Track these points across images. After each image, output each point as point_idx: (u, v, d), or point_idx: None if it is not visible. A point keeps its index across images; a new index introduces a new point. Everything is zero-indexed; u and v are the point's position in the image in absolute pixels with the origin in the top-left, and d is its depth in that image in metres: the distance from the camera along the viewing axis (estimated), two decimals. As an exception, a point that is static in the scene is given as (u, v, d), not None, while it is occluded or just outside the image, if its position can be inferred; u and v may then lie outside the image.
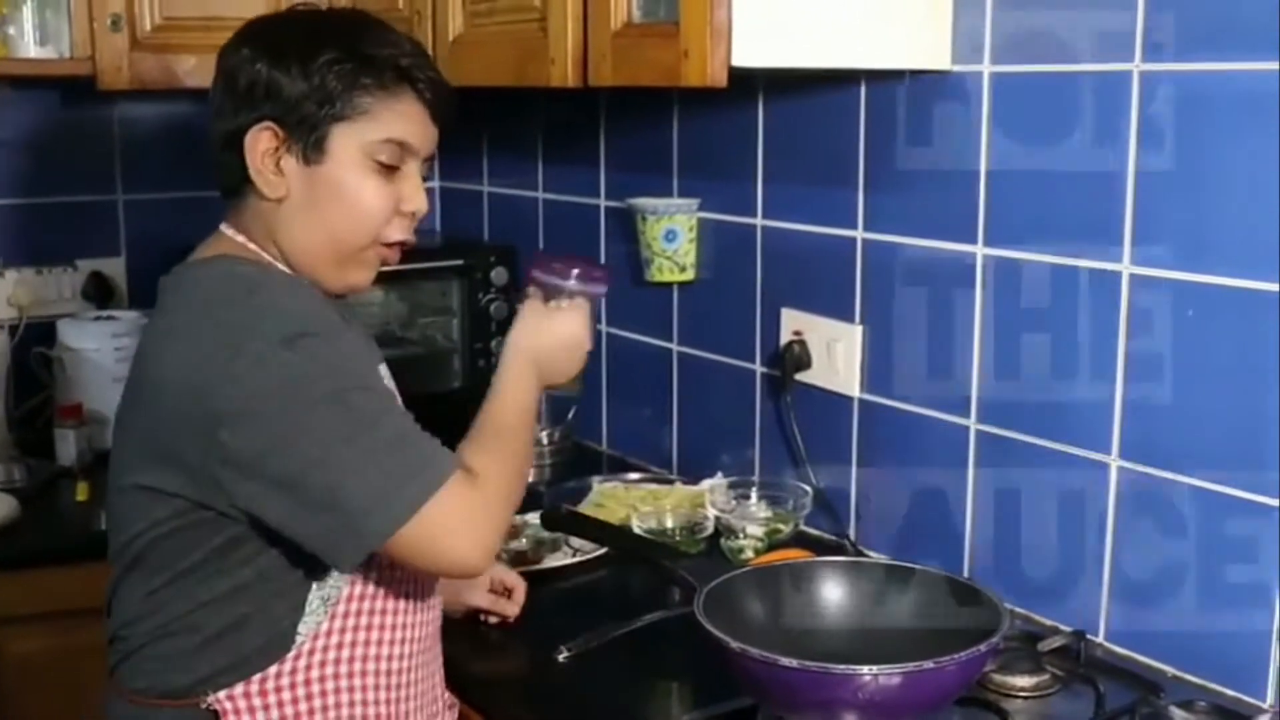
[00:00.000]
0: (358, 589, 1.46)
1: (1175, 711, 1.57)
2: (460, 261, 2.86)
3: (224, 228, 1.51)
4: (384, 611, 1.48)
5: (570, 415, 2.69)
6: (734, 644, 1.41)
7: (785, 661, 1.37)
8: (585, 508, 2.28)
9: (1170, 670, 1.72)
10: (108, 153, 2.90)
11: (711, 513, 2.18)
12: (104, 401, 2.68)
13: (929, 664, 1.37)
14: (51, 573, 2.27)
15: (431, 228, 3.20)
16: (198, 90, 2.77)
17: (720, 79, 1.73)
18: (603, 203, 2.65)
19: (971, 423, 1.95)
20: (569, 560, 2.08)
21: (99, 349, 2.68)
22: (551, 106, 2.77)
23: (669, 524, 2.15)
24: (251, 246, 1.48)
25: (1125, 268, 1.73)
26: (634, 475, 2.46)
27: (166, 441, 1.38)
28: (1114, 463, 1.76)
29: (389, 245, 1.49)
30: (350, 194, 1.44)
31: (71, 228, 2.88)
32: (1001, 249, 1.88)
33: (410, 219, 1.50)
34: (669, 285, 2.48)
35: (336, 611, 1.44)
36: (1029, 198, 1.83)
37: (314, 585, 1.43)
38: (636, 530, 2.11)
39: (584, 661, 1.75)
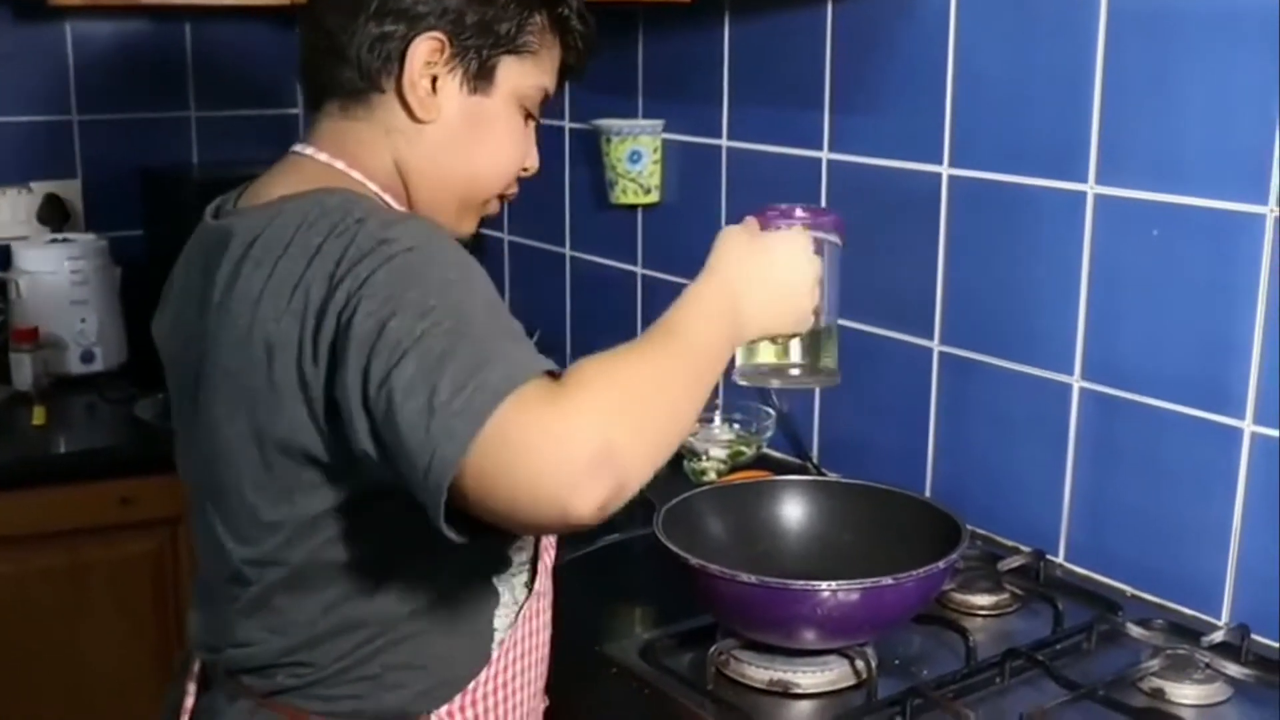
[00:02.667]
0: (540, 578, 1.33)
1: (1132, 628, 1.58)
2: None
3: (309, 150, 1.28)
4: (544, 594, 1.36)
5: (534, 339, 2.66)
6: (693, 560, 1.40)
7: (744, 577, 1.37)
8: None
9: (1129, 589, 1.72)
10: (62, 72, 2.84)
11: (674, 435, 2.16)
12: (61, 325, 2.66)
13: (888, 580, 1.37)
14: (7, 497, 2.25)
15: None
16: (153, 7, 2.77)
17: (684, -7, 1.70)
18: (567, 125, 2.61)
19: (935, 345, 1.94)
20: (531, 482, 2.07)
21: (55, 272, 2.64)
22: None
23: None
24: (355, 174, 1.26)
25: (1090, 188, 1.71)
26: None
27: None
28: (1076, 384, 1.76)
29: (501, 198, 1.35)
30: (503, 134, 1.29)
31: (25, 149, 2.83)
32: (967, 169, 1.86)
33: (523, 174, 1.35)
34: (633, 208, 2.45)
35: (525, 605, 1.32)
36: (994, 117, 1.82)
37: (494, 577, 1.28)
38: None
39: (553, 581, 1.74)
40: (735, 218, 2.23)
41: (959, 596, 1.66)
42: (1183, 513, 1.66)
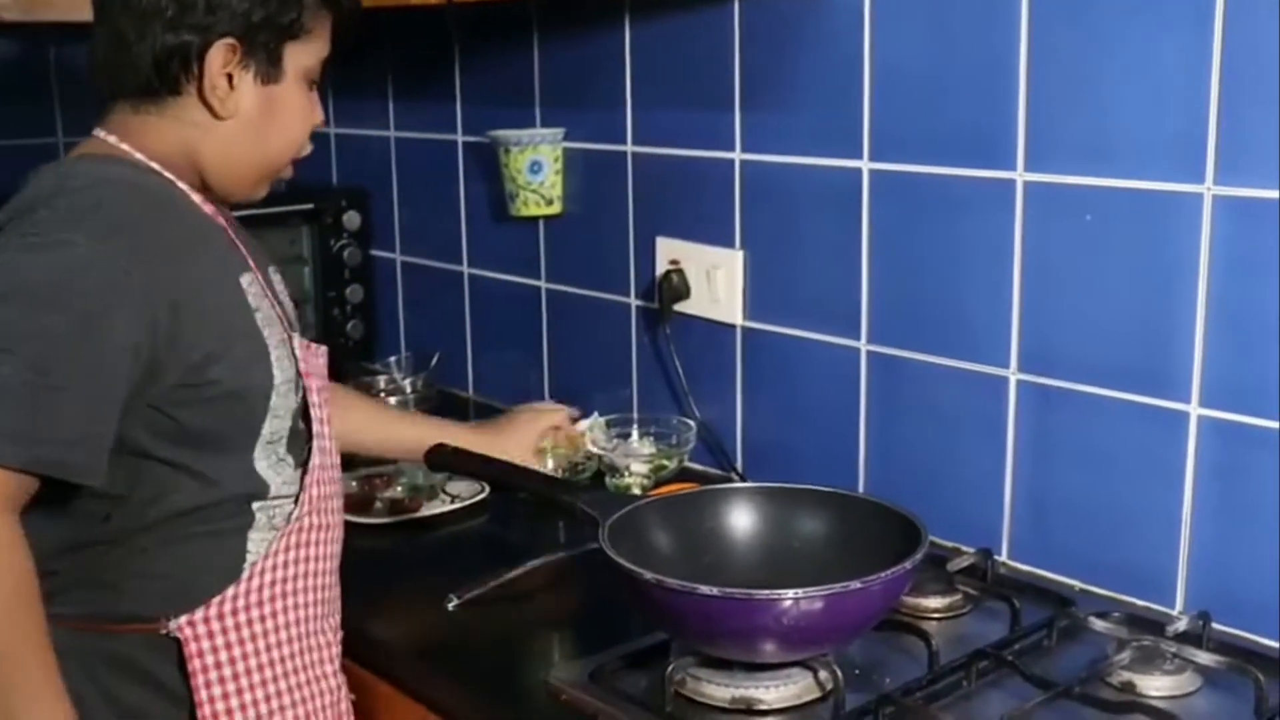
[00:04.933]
0: (305, 508, 1.43)
1: (1094, 622, 1.53)
2: (310, 206, 2.71)
3: (100, 133, 1.41)
4: (321, 527, 1.46)
5: (433, 363, 2.58)
6: (648, 575, 1.32)
7: (703, 590, 1.29)
8: (458, 454, 2.17)
9: (1078, 584, 1.68)
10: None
11: (593, 450, 2.09)
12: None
13: (855, 584, 1.31)
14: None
15: (274, 174, 3.04)
16: (15, 25, 2.62)
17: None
18: (460, 138, 2.53)
19: (862, 344, 1.89)
20: (448, 507, 1.98)
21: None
22: (401, 40, 2.63)
23: (549, 465, 2.06)
24: (124, 147, 1.39)
25: (1019, 175, 1.68)
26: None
27: None
28: (1013, 376, 1.72)
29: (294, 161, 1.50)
30: (292, 113, 1.44)
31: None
32: (888, 163, 1.82)
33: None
34: (535, 220, 2.37)
35: (284, 531, 1.41)
36: (915, 107, 1.78)
37: (253, 503, 1.39)
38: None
39: (476, 609, 1.65)
40: (644, 225, 2.20)
41: (911, 600, 1.60)
42: (1130, 502, 1.63)
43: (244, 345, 1.36)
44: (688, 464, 2.12)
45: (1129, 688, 1.41)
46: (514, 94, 2.38)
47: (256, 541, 1.40)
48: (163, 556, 1.36)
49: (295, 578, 1.43)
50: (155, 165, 1.38)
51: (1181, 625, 1.49)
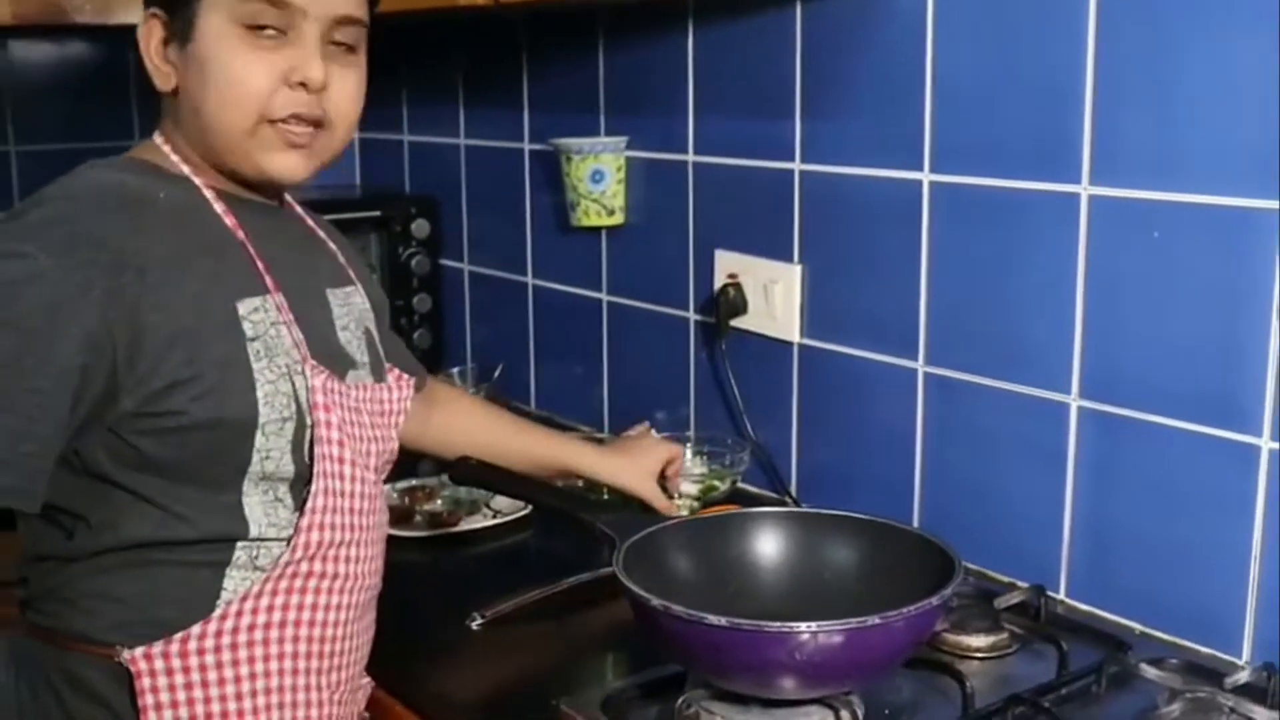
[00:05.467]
0: (298, 553, 1.30)
1: (1146, 669, 1.43)
2: (378, 213, 2.69)
3: (156, 134, 1.35)
4: (323, 575, 1.32)
5: (496, 374, 2.53)
6: (655, 601, 1.25)
7: (712, 619, 1.22)
8: (509, 468, 2.11)
9: (1138, 626, 1.58)
10: (-2, 99, 2.70)
11: (643, 470, 2.02)
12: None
13: (874, 619, 1.22)
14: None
15: (351, 182, 3.03)
16: (91, 27, 2.63)
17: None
18: (526, 146, 2.48)
19: (919, 365, 1.80)
20: (489, 522, 1.92)
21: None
22: (471, 47, 2.60)
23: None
24: (165, 149, 1.32)
25: (1084, 189, 1.58)
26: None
27: None
28: (1074, 403, 1.62)
29: (285, 121, 1.27)
30: (217, 69, 1.25)
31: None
32: (949, 174, 1.73)
33: (303, 91, 1.27)
34: (597, 231, 2.32)
35: (271, 574, 1.29)
36: (978, 117, 1.68)
37: (238, 541, 1.28)
38: (562, 488, 1.95)
39: (498, 629, 1.60)
40: (703, 237, 2.13)
41: (952, 638, 1.51)
42: (1196, 540, 1.52)
43: (220, 375, 1.23)
44: (741, 485, 2.04)
45: (1179, 743, 1.30)
46: (579, 101, 2.33)
47: (236, 580, 1.28)
48: (123, 580, 1.26)
49: (281, 624, 1.30)
50: (185, 169, 1.30)
51: (1243, 677, 1.38)
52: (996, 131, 1.66)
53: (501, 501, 1.96)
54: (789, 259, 1.96)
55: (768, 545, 1.47)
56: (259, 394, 1.25)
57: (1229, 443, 1.47)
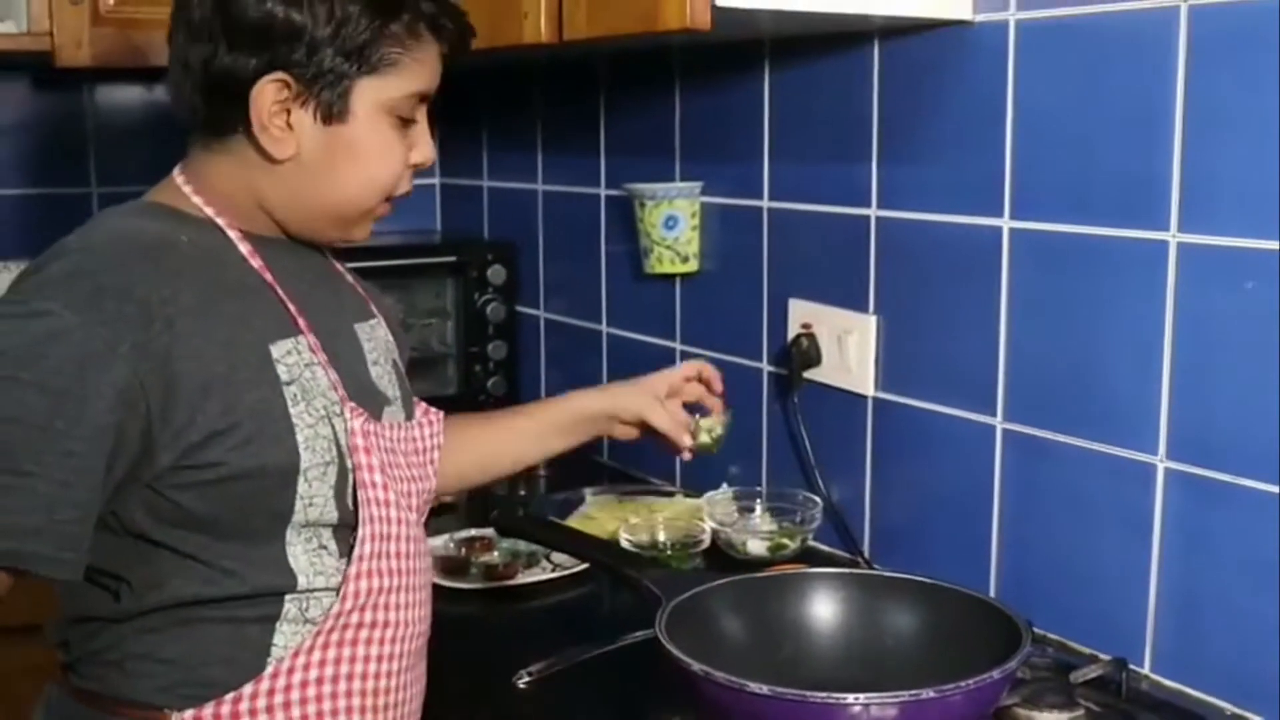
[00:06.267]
0: (347, 604, 1.25)
1: (1233, 754, 1.32)
2: (454, 259, 2.66)
3: (177, 175, 1.29)
4: (373, 624, 1.28)
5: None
6: (695, 665, 1.18)
7: (753, 687, 1.14)
8: (574, 520, 2.05)
9: (1229, 707, 1.47)
10: (81, 141, 2.72)
11: (709, 525, 1.95)
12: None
13: (929, 692, 1.13)
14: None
15: (432, 227, 3.01)
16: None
17: (703, 21, 1.52)
18: (603, 191, 2.43)
19: (998, 421, 1.71)
20: (546, 576, 1.86)
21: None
22: (551, 93, 2.56)
23: (660, 537, 1.93)
24: (186, 189, 1.26)
25: (1172, 236, 1.49)
26: (631, 487, 2.23)
27: None
28: (1161, 464, 1.52)
29: (392, 199, 1.32)
30: (371, 154, 1.26)
31: (43, 222, 2.69)
32: (1030, 221, 1.64)
33: (414, 170, 1.33)
34: (671, 278, 2.26)
35: (322, 628, 1.24)
36: (1060, 160, 1.60)
37: (287, 594, 1.23)
38: (624, 544, 1.89)
39: (546, 688, 1.53)
40: (777, 286, 2.06)
41: (1024, 713, 1.41)
42: (1291, 614, 1.41)
43: (258, 423, 1.18)
44: (812, 544, 1.96)
45: (1265, 836, 1.19)
46: (655, 147, 2.28)
47: (287, 635, 1.23)
48: (171, 641, 1.21)
49: (334, 679, 1.25)
50: (208, 211, 1.25)
51: (1340, 765, 1.27)
52: (1080, 175, 1.58)
53: (562, 555, 1.89)
54: (864, 309, 1.89)
55: (825, 608, 1.39)
56: (299, 439, 1.21)
57: (1328, 510, 1.37)
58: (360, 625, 1.26)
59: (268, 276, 1.26)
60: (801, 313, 1.99)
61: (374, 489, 1.27)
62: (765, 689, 1.14)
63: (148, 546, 1.19)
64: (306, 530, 1.23)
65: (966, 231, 1.72)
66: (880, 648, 1.36)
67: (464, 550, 1.91)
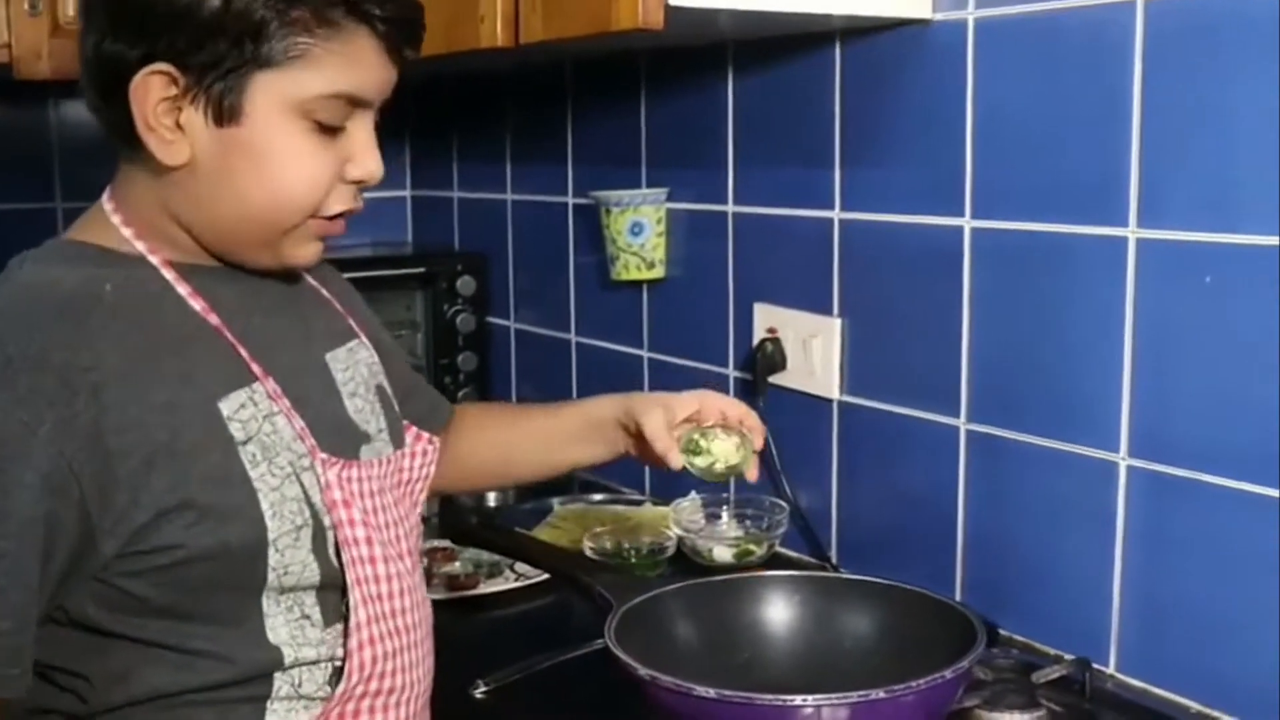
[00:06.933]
0: (353, 679, 1.13)
1: (1195, 753, 1.30)
2: (423, 270, 2.64)
3: (105, 200, 1.14)
4: (378, 693, 1.16)
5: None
6: (642, 670, 1.16)
7: (700, 691, 1.12)
8: (540, 530, 2.03)
9: (1194, 705, 1.45)
10: (45, 155, 2.69)
11: (675, 533, 1.93)
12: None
13: (879, 693, 1.12)
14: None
15: (403, 239, 2.99)
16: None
17: (656, 21, 1.50)
18: (571, 200, 2.42)
19: (961, 422, 1.69)
20: (509, 585, 1.83)
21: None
22: (519, 100, 2.55)
23: (625, 545, 1.91)
24: (115, 220, 1.11)
25: (1131, 232, 1.47)
26: (599, 496, 2.21)
27: None
28: (1123, 461, 1.50)
29: (331, 218, 1.13)
30: (276, 162, 1.07)
31: (5, 238, 2.66)
32: (991, 220, 1.63)
33: (357, 186, 1.14)
34: (637, 285, 2.24)
35: (329, 709, 1.13)
36: (1021, 159, 1.59)
37: (276, 672, 1.11)
38: (588, 553, 1.87)
39: (503, 698, 1.50)
40: (742, 291, 2.05)
41: (985, 714, 1.38)
42: (1258, 610, 1.39)
43: (214, 495, 1.04)
44: (780, 549, 1.94)
45: (1228, 836, 1.17)
46: (622, 154, 2.26)
47: (280, 714, 1.10)
48: None
49: None
50: (139, 246, 1.10)
51: (1304, 762, 1.25)
52: (1040, 172, 1.56)
53: (526, 564, 1.87)
54: (829, 312, 1.87)
55: (781, 611, 1.37)
56: (264, 506, 1.07)
57: (1290, 505, 1.35)
58: (364, 696, 1.14)
59: (213, 319, 1.11)
60: (767, 317, 1.97)
61: (358, 546, 1.13)
62: (712, 692, 1.12)
63: (102, 639, 1.05)
64: (285, 598, 1.10)
65: (928, 232, 1.70)
66: (838, 651, 1.34)
67: (426, 560, 1.89)
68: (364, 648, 1.13)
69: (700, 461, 1.39)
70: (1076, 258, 1.53)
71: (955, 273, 1.68)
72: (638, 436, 1.40)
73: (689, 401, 1.42)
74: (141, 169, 1.10)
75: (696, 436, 1.39)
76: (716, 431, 1.39)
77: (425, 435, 1.35)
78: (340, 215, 1.15)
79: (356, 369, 1.24)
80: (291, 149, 1.08)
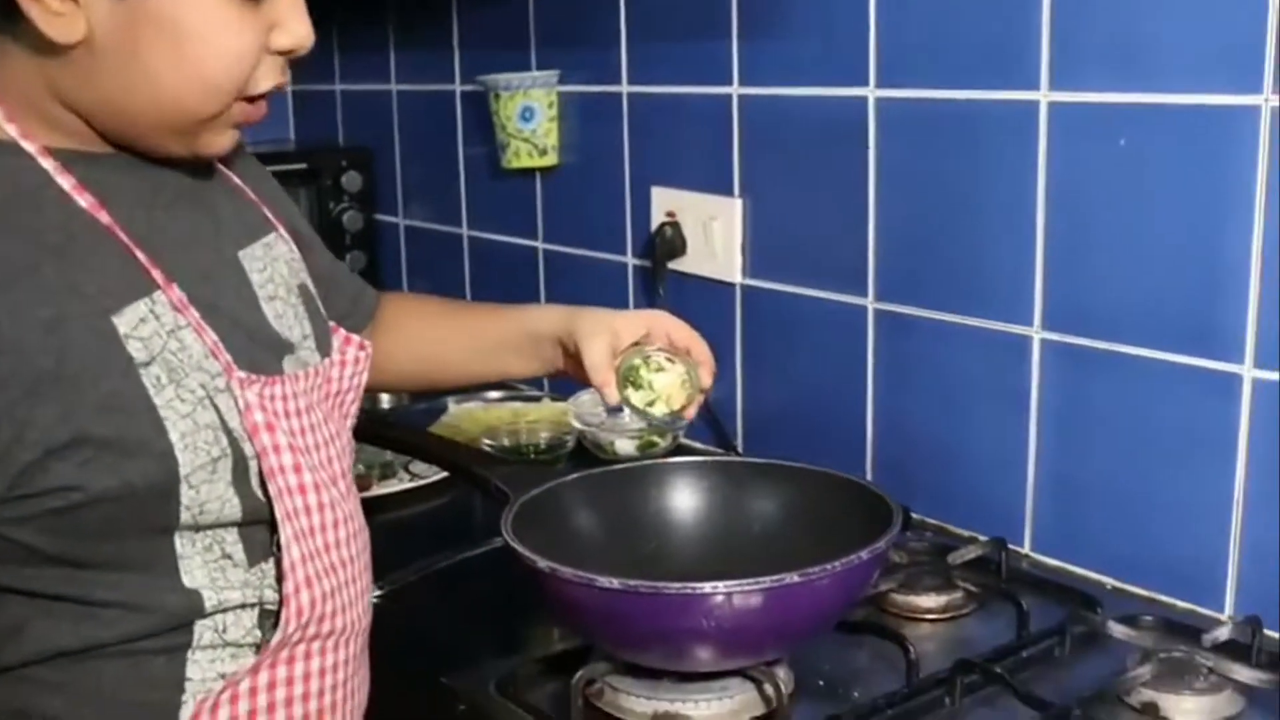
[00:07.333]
0: (291, 625, 1.00)
1: (1115, 628, 1.26)
2: (305, 166, 2.51)
3: None
4: (315, 637, 1.02)
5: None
6: (541, 562, 1.09)
7: (603, 582, 1.05)
8: (437, 430, 1.95)
9: (1109, 581, 1.42)
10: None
11: (576, 427, 1.86)
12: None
13: (793, 577, 1.05)
14: None
15: (285, 136, 2.85)
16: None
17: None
18: (458, 88, 2.30)
19: (869, 301, 1.63)
20: (404, 486, 1.76)
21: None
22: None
23: (524, 441, 1.84)
24: None
25: (1043, 95, 1.41)
26: (495, 394, 2.13)
27: None
28: (1037, 336, 1.45)
29: (255, 99, 0.98)
30: (196, 38, 0.92)
31: None
32: (896, 89, 1.56)
33: (284, 58, 0.99)
34: (530, 174, 2.14)
35: (263, 660, 1.00)
36: (925, 24, 1.51)
37: (196, 620, 0.98)
38: (486, 449, 1.79)
39: (397, 602, 1.43)
40: (639, 174, 1.96)
41: (901, 598, 1.35)
42: (1173, 483, 1.36)
43: (112, 426, 0.90)
44: (684, 440, 1.88)
45: (1151, 710, 1.14)
46: (511, 37, 2.15)
47: (203, 666, 0.98)
48: (49, 694, 0.95)
49: (270, 708, 1.00)
50: (9, 131, 0.94)
51: (1224, 634, 1.22)
52: (946, 37, 1.49)
53: (421, 465, 1.79)
54: (729, 193, 1.79)
55: (687, 499, 1.30)
56: (173, 437, 0.93)
57: (1207, 372, 1.31)
58: (300, 642, 1.01)
59: (103, 217, 0.95)
60: (665, 201, 1.89)
61: (285, 475, 0.99)
62: (617, 583, 1.05)
63: None
64: (202, 536, 0.97)
65: (831, 104, 1.63)
66: (748, 537, 1.28)
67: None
68: (300, 590, 1.00)
69: (639, 398, 1.25)
70: (986, 125, 1.47)
71: (860, 146, 1.60)
72: (576, 358, 1.27)
73: (636, 325, 1.27)
74: (19, 45, 0.93)
75: (638, 363, 1.25)
76: (660, 360, 1.26)
77: (355, 339, 1.18)
78: (264, 96, 0.99)
79: (275, 267, 1.09)
80: (211, 19, 0.93)
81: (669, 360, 1.26)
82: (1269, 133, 1.24)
